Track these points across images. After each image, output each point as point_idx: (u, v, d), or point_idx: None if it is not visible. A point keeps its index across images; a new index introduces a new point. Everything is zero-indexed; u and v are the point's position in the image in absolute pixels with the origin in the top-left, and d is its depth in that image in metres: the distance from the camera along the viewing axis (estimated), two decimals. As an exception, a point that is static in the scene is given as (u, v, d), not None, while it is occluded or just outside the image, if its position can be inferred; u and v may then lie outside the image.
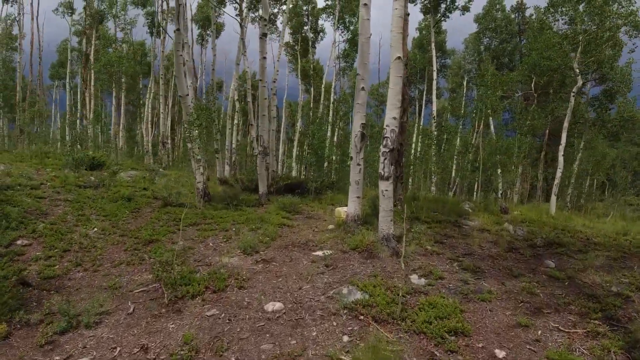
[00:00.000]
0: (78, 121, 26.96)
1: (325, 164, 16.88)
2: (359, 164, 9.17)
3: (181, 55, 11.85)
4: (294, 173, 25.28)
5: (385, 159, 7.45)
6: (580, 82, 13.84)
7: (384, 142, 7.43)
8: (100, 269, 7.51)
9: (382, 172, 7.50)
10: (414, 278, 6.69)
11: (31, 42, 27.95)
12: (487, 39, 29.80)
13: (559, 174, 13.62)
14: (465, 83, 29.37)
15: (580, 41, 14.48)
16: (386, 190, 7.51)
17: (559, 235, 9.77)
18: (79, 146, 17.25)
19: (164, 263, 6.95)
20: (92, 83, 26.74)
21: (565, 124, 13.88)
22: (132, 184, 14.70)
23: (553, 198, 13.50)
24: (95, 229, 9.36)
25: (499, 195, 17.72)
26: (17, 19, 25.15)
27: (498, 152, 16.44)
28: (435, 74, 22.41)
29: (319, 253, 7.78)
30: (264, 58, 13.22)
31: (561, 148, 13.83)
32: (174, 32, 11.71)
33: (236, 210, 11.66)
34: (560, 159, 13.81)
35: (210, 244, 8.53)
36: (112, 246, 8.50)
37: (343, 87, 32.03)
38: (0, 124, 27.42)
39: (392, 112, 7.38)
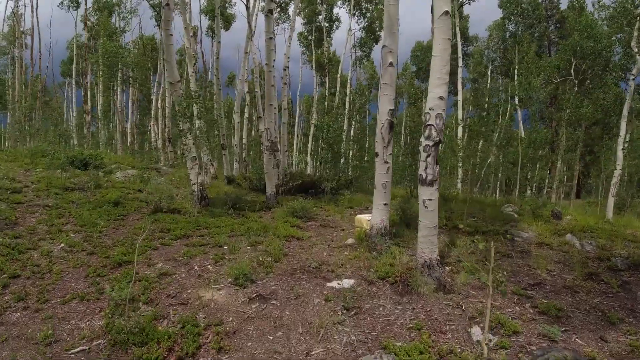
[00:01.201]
0: (86, 117, 25.27)
1: (342, 160, 14.60)
2: (386, 162, 6.93)
3: (171, 34, 9.72)
4: (308, 170, 23.10)
5: (428, 155, 5.18)
6: None
7: (427, 132, 5.17)
8: (44, 306, 5.44)
9: (424, 175, 5.24)
10: (476, 332, 4.44)
11: (32, 35, 26.29)
12: (513, 25, 26.99)
13: (618, 171, 11.16)
14: (489, 72, 26.64)
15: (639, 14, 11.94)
16: (430, 199, 5.27)
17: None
18: (64, 143, 15.36)
19: (121, 303, 4.85)
20: (95, 76, 24.97)
21: (625, 112, 11.37)
22: (126, 184, 12.75)
23: (610, 200, 11.05)
24: (62, 245, 7.34)
25: (534, 192, 15.24)
26: (14, 10, 23.44)
27: (537, 145, 13.95)
28: (460, 60, 19.87)
29: (336, 284, 5.58)
30: (270, 39, 11.00)
31: (620, 141, 11.33)
32: (163, 7, 9.58)
33: (238, 217, 9.55)
34: (620, 153, 11.33)
35: (196, 267, 6.40)
36: (73, 270, 6.43)
37: (360, 78, 29.69)
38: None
39: (438, 90, 5.11)
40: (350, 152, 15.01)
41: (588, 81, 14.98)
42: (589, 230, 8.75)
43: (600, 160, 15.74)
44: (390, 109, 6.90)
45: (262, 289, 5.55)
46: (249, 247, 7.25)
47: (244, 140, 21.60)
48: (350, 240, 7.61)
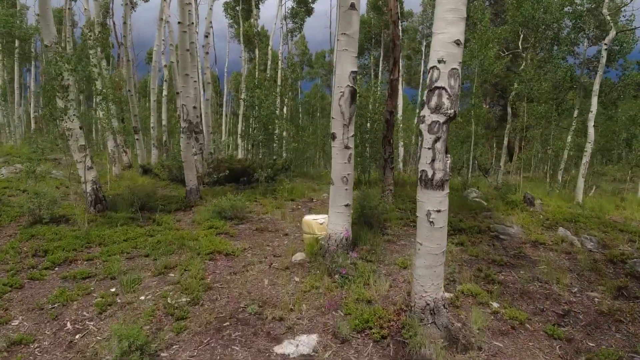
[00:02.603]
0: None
1: (277, 142, 12.23)
2: (347, 147, 4.78)
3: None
4: (239, 154, 20.38)
5: (437, 139, 3.00)
6: (613, 33, 10.11)
7: (434, 101, 2.98)
8: None
9: (430, 171, 3.09)
10: None
11: None
12: None
13: (588, 149, 9.98)
14: (423, 49, 25.32)
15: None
16: (438, 211, 3.17)
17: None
18: None
19: None
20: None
21: (596, 87, 10.16)
22: (10, 184, 9.56)
23: (581, 181, 9.85)
24: None
25: (488, 174, 14.06)
26: None
27: (482, 121, 12.59)
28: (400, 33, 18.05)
29: (290, 348, 3.37)
30: (183, -10, 8.25)
31: (591, 117, 10.09)
32: None
33: (147, 223, 6.99)
34: (591, 130, 10.09)
35: (69, 326, 3.86)
36: None
37: (291, 52, 27.05)
38: None
39: (453, 30, 2.89)
40: (285, 133, 12.63)
41: (538, 54, 13.89)
42: (573, 219, 7.34)
43: (547, 138, 14.88)
44: (353, 72, 4.71)
45: (165, 372, 3.19)
46: (154, 279, 4.79)
47: (164, 122, 18.35)
48: (299, 256, 5.41)
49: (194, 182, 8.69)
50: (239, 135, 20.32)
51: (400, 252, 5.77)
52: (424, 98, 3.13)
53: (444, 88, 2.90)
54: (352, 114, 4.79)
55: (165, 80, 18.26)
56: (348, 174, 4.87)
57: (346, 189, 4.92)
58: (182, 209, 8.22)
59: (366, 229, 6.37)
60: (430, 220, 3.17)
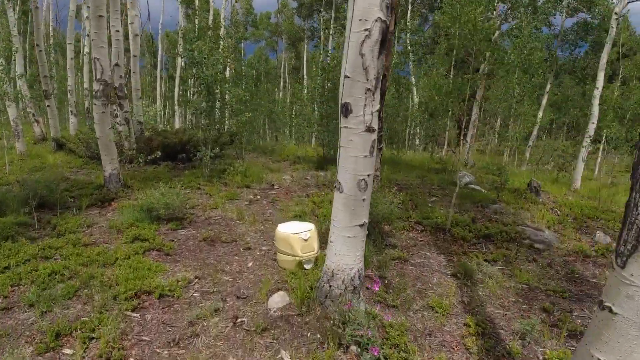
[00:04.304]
0: None
1: (222, 108, 9.60)
2: (371, 128, 2.68)
3: None
4: (177, 123, 17.24)
5: None
6: (625, 1, 8.54)
7: None
8: None
9: None
10: None
11: None
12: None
13: (591, 130, 8.55)
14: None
15: None
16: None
17: None
18: None
19: None
20: None
21: (603, 61, 8.60)
22: None
23: (580, 165, 8.49)
24: None
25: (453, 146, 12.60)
26: None
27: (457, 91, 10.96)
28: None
29: None
30: None
31: (597, 94, 8.57)
32: None
33: (44, 233, 4.50)
34: (596, 109, 8.65)
35: None
36: None
37: (235, 8, 23.58)
38: None
39: None
40: (227, 95, 9.88)
41: (514, 23, 12.32)
42: (594, 216, 5.87)
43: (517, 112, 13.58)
44: (387, 3, 2.54)
45: None
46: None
47: (86, 85, 14.80)
48: (279, 300, 3.28)
49: (114, 165, 6.11)
50: (175, 102, 17.19)
51: (423, 279, 3.86)
52: None
53: None
54: (381, 70, 2.66)
55: (88, 35, 14.54)
56: (368, 175, 2.79)
57: (364, 200, 2.84)
58: (98, 204, 5.69)
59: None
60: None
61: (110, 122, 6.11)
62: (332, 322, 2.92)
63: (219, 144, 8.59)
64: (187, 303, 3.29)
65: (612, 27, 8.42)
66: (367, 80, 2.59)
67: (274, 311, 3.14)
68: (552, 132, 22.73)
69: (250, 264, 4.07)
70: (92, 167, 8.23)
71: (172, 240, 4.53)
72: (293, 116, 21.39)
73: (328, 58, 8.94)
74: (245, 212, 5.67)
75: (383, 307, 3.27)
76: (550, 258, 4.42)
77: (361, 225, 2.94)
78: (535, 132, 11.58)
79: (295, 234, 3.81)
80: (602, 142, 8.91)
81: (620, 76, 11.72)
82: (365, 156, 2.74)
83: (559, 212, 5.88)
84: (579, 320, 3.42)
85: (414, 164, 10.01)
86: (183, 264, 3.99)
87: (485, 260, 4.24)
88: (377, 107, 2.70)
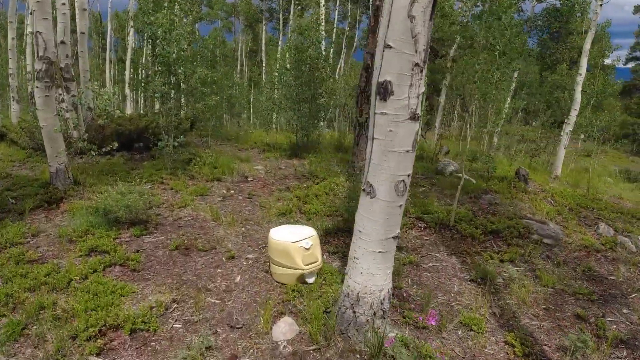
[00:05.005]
0: None
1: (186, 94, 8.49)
2: (415, 115, 2.04)
3: None
4: (128, 107, 15.65)
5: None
6: None
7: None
8: None
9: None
10: None
11: None
12: None
13: (573, 116, 8.31)
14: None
15: None
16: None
17: None
18: None
19: None
20: None
21: (587, 46, 8.28)
22: None
23: (562, 152, 8.26)
24: None
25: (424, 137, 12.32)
26: None
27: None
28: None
29: None
30: None
31: (579, 80, 8.27)
32: None
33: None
34: (578, 95, 8.41)
35: None
36: None
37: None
38: None
39: None
40: (183, 71, 8.68)
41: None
42: (586, 206, 5.66)
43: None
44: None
45: None
46: None
47: (29, 69, 12.89)
48: (286, 329, 2.60)
49: (62, 159, 5.06)
50: (127, 85, 15.61)
51: (442, 288, 3.35)
52: None
53: None
54: (429, 40, 2.02)
55: (31, 13, 12.60)
56: (408, 176, 2.17)
57: (400, 206, 2.24)
58: (44, 205, 4.67)
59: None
60: None
61: (55, 108, 5.02)
62: (358, 356, 2.33)
63: (181, 131, 7.61)
64: (167, 339, 2.55)
65: (596, 12, 8.31)
66: (416, 51, 1.95)
67: (284, 346, 2.48)
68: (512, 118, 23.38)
69: (237, 278, 3.36)
70: (37, 159, 6.98)
71: (138, 251, 3.70)
72: (253, 101, 20.31)
73: (301, 37, 8.09)
74: (221, 210, 4.90)
75: (413, 330, 2.71)
76: (563, 255, 4.08)
77: (395, 237, 2.34)
78: (503, 117, 11.53)
79: (295, 242, 3.14)
80: (564, 128, 8.88)
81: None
82: (407, 151, 2.11)
83: (553, 202, 5.62)
84: (614, 326, 3.06)
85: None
86: (155, 283, 3.21)
87: (501, 260, 3.80)
88: (423, 88, 2.07)
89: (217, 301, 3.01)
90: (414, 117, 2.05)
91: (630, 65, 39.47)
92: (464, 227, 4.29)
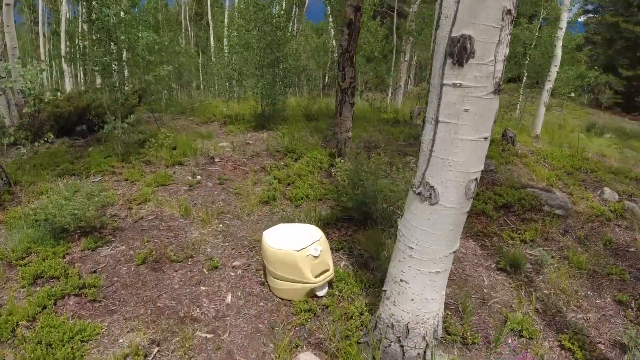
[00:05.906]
0: None
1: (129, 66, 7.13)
2: (499, 87, 1.40)
3: None
4: (67, 84, 13.65)
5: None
6: None
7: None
8: None
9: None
10: None
11: None
12: None
13: (553, 72, 7.71)
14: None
15: None
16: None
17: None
18: None
19: None
20: None
21: (567, 1, 7.79)
22: None
23: (542, 110, 7.78)
24: None
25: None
26: None
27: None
28: None
29: None
30: None
31: (560, 34, 7.27)
32: None
33: None
34: (559, 51, 7.75)
35: None
36: None
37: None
38: None
39: None
40: (145, 50, 7.33)
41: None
42: (580, 167, 5.42)
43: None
44: None
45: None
46: None
47: None
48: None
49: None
50: (63, 59, 13.61)
51: (471, 283, 2.86)
52: None
53: None
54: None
55: None
56: (478, 172, 1.58)
57: (466, 213, 1.65)
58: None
59: (370, 231, 3.25)
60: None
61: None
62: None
63: (128, 109, 6.48)
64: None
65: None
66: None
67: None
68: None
69: (228, 298, 2.68)
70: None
71: (95, 271, 2.90)
72: (203, 68, 18.63)
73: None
74: (190, 203, 4.10)
75: (460, 348, 2.21)
76: (579, 227, 3.75)
77: (454, 252, 1.76)
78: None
79: (301, 250, 2.49)
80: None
81: (540, 17, 11.65)
82: (485, 138, 1.49)
83: (547, 165, 5.33)
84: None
85: (358, 114, 8.89)
86: (123, 316, 2.47)
87: (522, 241, 3.39)
88: (508, 50, 1.43)
89: (209, 335, 2.34)
90: (497, 90, 1.42)
91: (582, 18, 40.72)
92: (473, 202, 3.84)
